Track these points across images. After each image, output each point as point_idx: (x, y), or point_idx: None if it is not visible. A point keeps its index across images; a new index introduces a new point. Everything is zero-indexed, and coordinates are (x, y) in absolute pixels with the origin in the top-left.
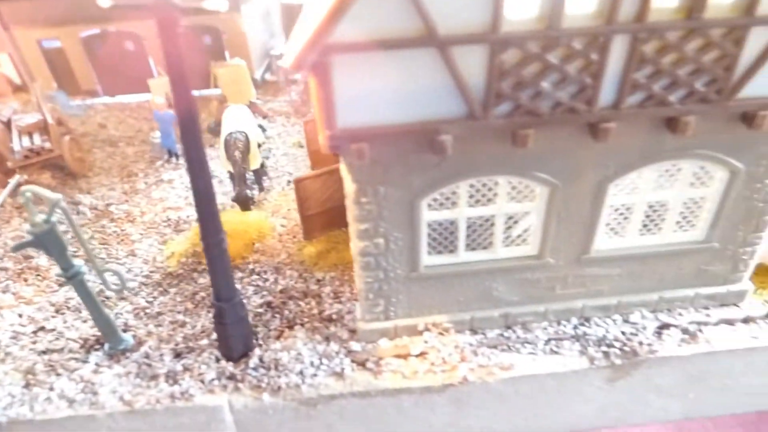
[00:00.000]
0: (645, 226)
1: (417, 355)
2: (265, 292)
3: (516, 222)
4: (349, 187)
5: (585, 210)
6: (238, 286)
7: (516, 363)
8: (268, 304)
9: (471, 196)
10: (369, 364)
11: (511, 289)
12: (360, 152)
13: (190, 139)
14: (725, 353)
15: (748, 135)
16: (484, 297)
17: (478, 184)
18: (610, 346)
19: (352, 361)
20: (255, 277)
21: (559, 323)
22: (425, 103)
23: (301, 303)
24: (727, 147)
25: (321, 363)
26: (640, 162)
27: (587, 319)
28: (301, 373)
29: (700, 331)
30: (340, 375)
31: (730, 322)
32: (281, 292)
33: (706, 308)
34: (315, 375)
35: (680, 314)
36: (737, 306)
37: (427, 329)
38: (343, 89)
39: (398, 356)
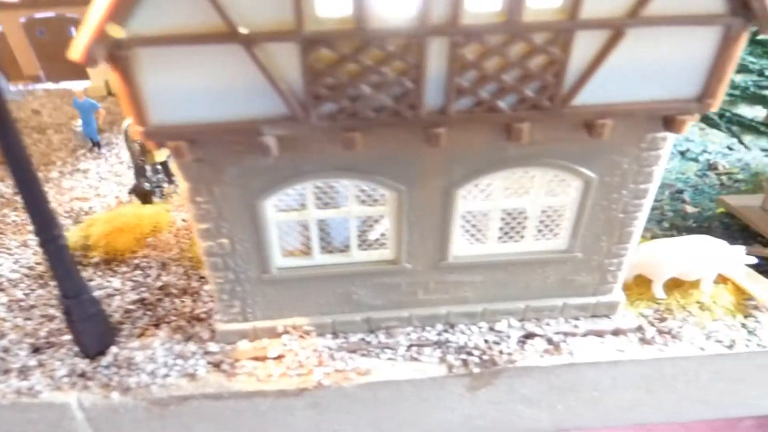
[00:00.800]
0: (506, 233)
1: (274, 358)
2: (143, 288)
3: (371, 226)
4: (183, 185)
5: (436, 216)
6: (117, 280)
7: (374, 368)
8: (142, 301)
9: (319, 198)
10: (224, 366)
11: (372, 294)
12: (178, 151)
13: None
14: (588, 365)
15: (597, 144)
16: (345, 301)
17: (325, 186)
18: (469, 354)
19: (208, 363)
20: (138, 272)
21: (423, 329)
22: (244, 101)
23: (177, 300)
24: (577, 156)
25: (175, 363)
26: (485, 169)
27: (452, 326)
28: (152, 373)
29: (565, 342)
30: (192, 376)
31: (599, 334)
32: (160, 288)
33: (577, 319)
34: (167, 375)
35: (548, 324)
36: (609, 318)
37: (286, 332)
38: (153, 85)
39: (256, 358)
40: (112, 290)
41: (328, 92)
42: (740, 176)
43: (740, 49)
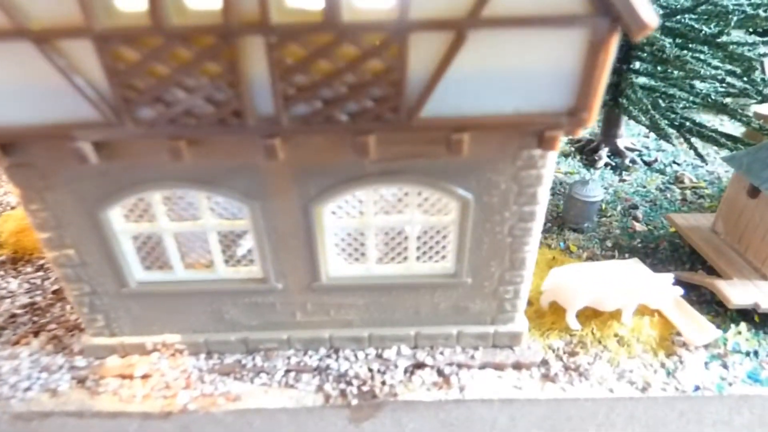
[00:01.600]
0: (386, 254)
1: (141, 377)
2: (38, 292)
3: (233, 241)
4: (14, 191)
5: (300, 233)
6: (16, 282)
7: (245, 394)
8: (32, 305)
9: (171, 210)
10: (89, 383)
11: (245, 313)
12: None
13: None
14: (479, 403)
15: (467, 161)
16: (217, 319)
17: (175, 197)
18: (348, 383)
19: (72, 378)
20: (39, 274)
21: (305, 353)
22: (54, 104)
23: (68, 307)
24: (445, 173)
25: (39, 377)
26: (343, 185)
27: (337, 351)
28: (14, 386)
29: (457, 374)
30: (54, 392)
31: (498, 367)
32: (54, 293)
33: (476, 349)
34: (29, 389)
35: (441, 353)
36: (512, 349)
37: (156, 350)
38: None
39: (122, 376)
40: (6, 293)
41: (138, 96)
42: (707, 191)
43: (610, 56)
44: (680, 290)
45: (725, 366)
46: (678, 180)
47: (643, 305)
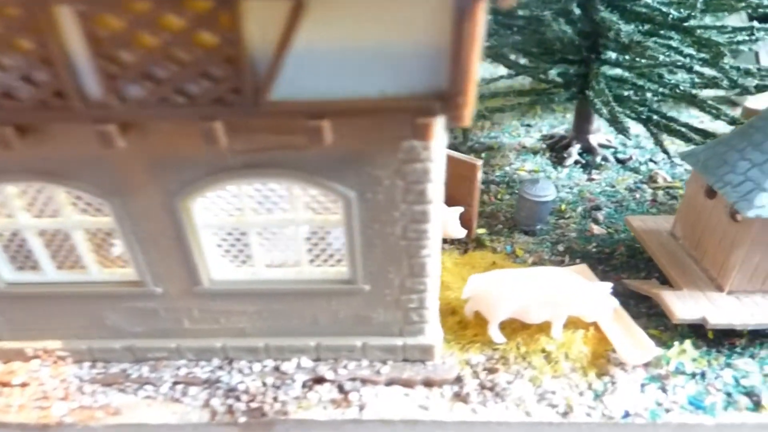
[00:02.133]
0: (276, 256)
1: (20, 385)
2: None
3: (104, 240)
4: None
5: (169, 231)
6: None
7: (126, 407)
8: None
9: (31, 204)
10: None
11: (127, 319)
12: None
13: None
14: (377, 423)
15: (344, 153)
16: (99, 325)
17: (32, 190)
18: (237, 399)
19: None
20: None
21: (197, 363)
22: None
23: None
24: (317, 167)
25: None
26: (208, 178)
27: (231, 362)
28: None
29: (358, 391)
30: None
31: (406, 384)
32: None
33: (384, 362)
34: None
35: (345, 367)
36: (424, 364)
37: (36, 356)
38: None
39: (2, 384)
40: None
41: None
42: (682, 191)
43: (479, 27)
44: (615, 302)
45: (664, 389)
46: (651, 179)
47: (578, 317)
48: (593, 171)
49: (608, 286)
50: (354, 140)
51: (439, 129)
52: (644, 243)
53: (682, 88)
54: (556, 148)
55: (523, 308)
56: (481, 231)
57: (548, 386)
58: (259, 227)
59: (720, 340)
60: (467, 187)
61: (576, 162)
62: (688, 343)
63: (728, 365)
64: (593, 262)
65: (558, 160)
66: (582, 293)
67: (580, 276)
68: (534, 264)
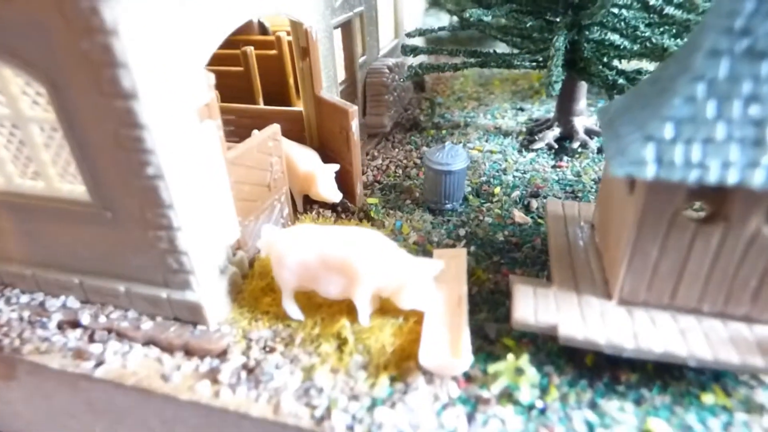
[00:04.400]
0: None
1: None
2: None
3: None
4: None
5: None
6: None
7: None
8: None
9: None
10: None
11: None
12: None
13: None
14: (110, 385)
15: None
16: None
17: None
18: None
19: None
20: None
21: None
22: None
23: None
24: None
25: None
26: None
27: (4, 288)
28: None
29: (105, 344)
30: None
31: (167, 348)
32: None
33: (153, 317)
34: None
35: (109, 315)
36: (194, 327)
37: None
38: None
39: None
40: None
41: None
42: None
43: None
44: (431, 288)
45: (471, 418)
46: None
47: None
48: (566, 158)
49: (436, 267)
50: None
51: None
52: (548, 231)
53: (654, 41)
54: (534, 132)
55: (310, 273)
56: (372, 200)
57: (320, 381)
58: None
59: (600, 370)
60: (342, 139)
61: (549, 147)
62: (525, 360)
63: (593, 406)
64: (492, 252)
65: (528, 143)
66: (389, 267)
67: (401, 251)
68: (415, 245)
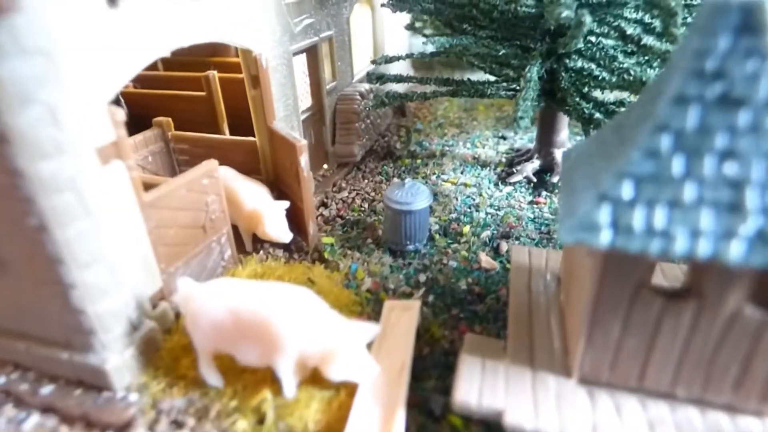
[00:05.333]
0: None
1: None
2: None
3: None
4: None
5: None
6: None
7: None
8: None
9: None
10: None
11: None
12: None
13: None
14: None
15: None
16: None
17: None
18: None
19: None
20: None
21: None
22: None
23: None
24: None
25: None
26: None
27: None
28: None
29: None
30: None
31: (65, 418)
32: None
33: (54, 381)
34: None
35: (9, 375)
36: (99, 394)
37: None
38: None
39: None
40: None
41: None
42: None
43: None
44: (365, 357)
45: None
46: None
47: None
48: (545, 193)
49: (370, 332)
50: None
51: None
52: (509, 286)
53: (632, 72)
54: (514, 163)
55: (223, 336)
56: (328, 240)
57: None
58: None
59: None
60: (293, 174)
61: (528, 180)
62: None
63: None
64: (452, 303)
65: (506, 176)
66: (313, 331)
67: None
68: (368, 292)
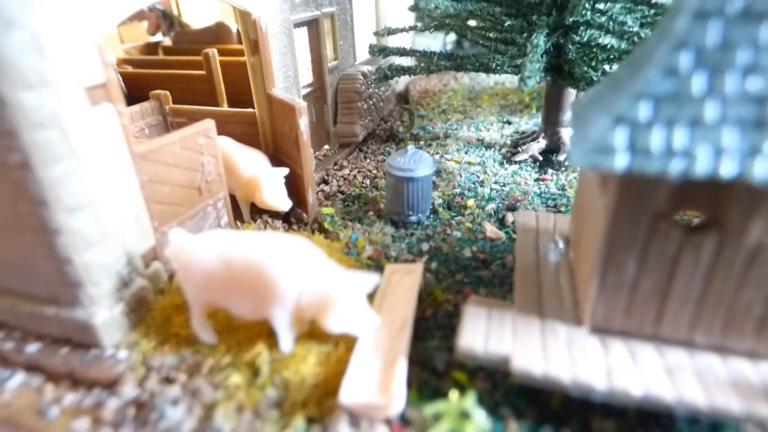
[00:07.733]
0: None
1: None
2: None
3: None
4: None
5: None
6: None
7: None
8: None
9: None
10: None
11: None
12: None
13: None
14: None
15: None
16: None
17: None
18: None
19: None
20: None
21: None
22: None
23: None
24: None
25: None
26: None
27: None
28: None
29: None
30: None
31: (51, 376)
32: None
33: (41, 339)
34: None
35: None
36: (88, 351)
37: None
38: None
39: None
40: None
41: None
42: None
43: None
44: (365, 309)
45: None
46: None
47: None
48: (551, 171)
49: (370, 281)
50: None
51: None
52: (516, 244)
53: (642, 35)
54: (519, 144)
55: (216, 287)
56: (328, 210)
57: (220, 421)
58: None
59: (569, 415)
60: (292, 140)
61: (534, 159)
62: (470, 401)
63: None
64: (456, 270)
65: (512, 156)
66: (309, 278)
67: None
68: (369, 260)
